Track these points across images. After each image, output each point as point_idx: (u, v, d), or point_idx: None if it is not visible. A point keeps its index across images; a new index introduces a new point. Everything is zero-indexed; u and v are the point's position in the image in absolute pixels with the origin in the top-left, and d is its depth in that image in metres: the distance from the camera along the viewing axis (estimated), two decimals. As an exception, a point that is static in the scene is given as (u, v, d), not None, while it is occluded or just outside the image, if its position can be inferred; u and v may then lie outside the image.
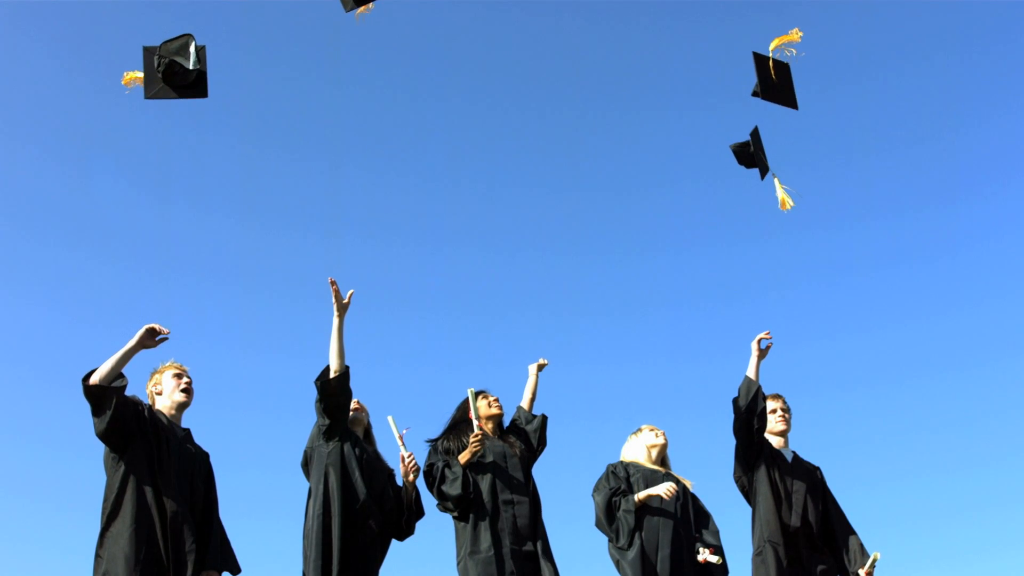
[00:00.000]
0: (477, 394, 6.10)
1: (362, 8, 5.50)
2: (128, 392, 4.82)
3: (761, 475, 6.03)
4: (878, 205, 14.19)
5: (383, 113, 14.60)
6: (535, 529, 5.83)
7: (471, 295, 13.99)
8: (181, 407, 5.10)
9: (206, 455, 5.13)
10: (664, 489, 5.92)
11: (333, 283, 5.41)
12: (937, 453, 12.52)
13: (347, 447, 5.50)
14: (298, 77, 14.36)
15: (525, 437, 6.13)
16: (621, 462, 6.33)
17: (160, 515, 4.67)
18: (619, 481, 6.13)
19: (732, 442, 6.12)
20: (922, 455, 12.50)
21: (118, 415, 4.67)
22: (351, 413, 5.69)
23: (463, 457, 5.83)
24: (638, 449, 6.37)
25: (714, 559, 5.93)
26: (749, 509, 6.08)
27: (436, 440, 6.08)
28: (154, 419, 4.88)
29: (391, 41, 13.89)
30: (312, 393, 5.51)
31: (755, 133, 6.24)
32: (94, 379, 4.69)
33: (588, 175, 14.63)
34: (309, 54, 14.13)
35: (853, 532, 6.14)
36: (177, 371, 5.13)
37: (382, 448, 5.86)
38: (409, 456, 5.65)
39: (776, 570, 5.75)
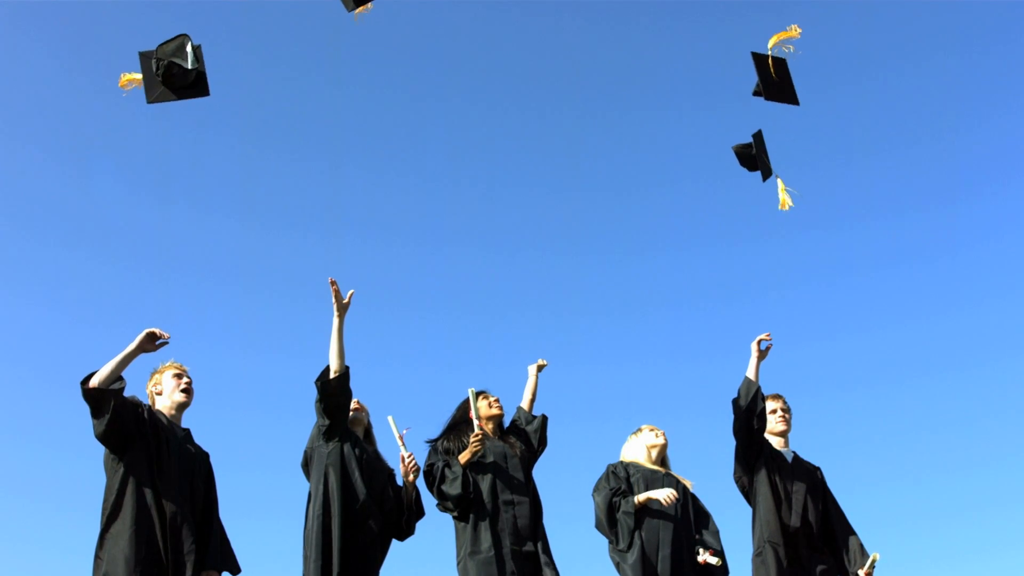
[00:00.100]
0: (478, 394, 6.10)
1: (361, 8, 5.50)
2: (128, 392, 4.82)
3: (761, 475, 6.03)
4: (878, 205, 14.21)
5: (383, 113, 14.62)
6: (535, 529, 5.82)
7: (471, 295, 14.00)
8: (181, 407, 5.10)
9: (206, 455, 5.13)
10: (664, 496, 5.91)
11: (333, 283, 5.41)
12: (937, 453, 12.54)
13: (347, 447, 5.50)
14: (298, 77, 14.38)
15: (525, 437, 6.13)
16: (621, 462, 6.32)
17: (160, 516, 4.67)
18: (619, 481, 6.12)
19: (732, 442, 6.13)
20: (922, 455, 12.52)
21: (117, 417, 4.67)
22: (351, 413, 5.69)
23: (463, 457, 5.83)
24: (638, 449, 6.37)
25: (714, 560, 5.93)
26: (749, 509, 6.09)
27: (436, 440, 6.07)
28: (154, 419, 4.88)
29: (391, 41, 13.90)
30: (312, 393, 5.52)
31: (758, 136, 6.24)
32: (93, 382, 4.69)
33: (588, 175, 14.64)
34: (309, 54, 14.15)
35: (853, 532, 6.14)
36: (177, 371, 5.13)
37: (382, 448, 5.87)
38: (409, 456, 5.65)
39: (776, 570, 5.75)
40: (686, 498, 6.18)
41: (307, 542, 5.33)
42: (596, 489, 6.20)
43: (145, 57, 5.23)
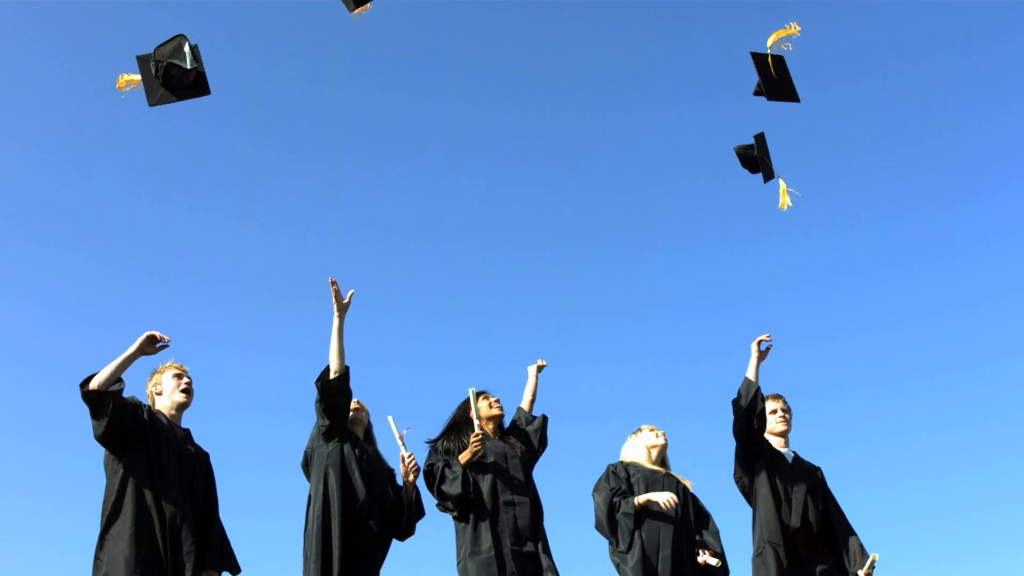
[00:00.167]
0: (478, 395, 6.10)
1: (360, 8, 5.50)
2: (128, 393, 4.82)
3: (761, 476, 6.02)
4: (878, 205, 14.21)
5: (383, 113, 14.63)
6: (536, 530, 5.82)
7: (471, 295, 14.00)
8: (181, 407, 5.10)
9: (206, 455, 5.13)
10: (664, 499, 5.91)
11: (333, 283, 5.41)
12: (937, 453, 12.55)
13: (347, 447, 5.50)
14: (298, 77, 14.38)
15: (526, 438, 6.13)
16: (621, 462, 6.32)
17: (160, 516, 4.67)
18: (619, 481, 6.12)
19: (732, 442, 6.12)
20: (922, 455, 12.53)
21: (116, 418, 4.67)
22: (351, 413, 5.69)
23: (463, 457, 5.83)
24: (638, 449, 6.36)
25: (714, 562, 5.93)
26: (749, 509, 6.08)
27: (436, 440, 6.07)
28: (154, 420, 4.88)
29: (391, 41, 13.90)
30: (312, 393, 5.52)
31: (760, 138, 6.24)
32: (92, 384, 4.69)
33: (588, 175, 14.65)
34: (309, 54, 14.15)
35: (853, 532, 6.13)
36: (177, 371, 5.13)
37: (382, 448, 5.87)
38: (409, 456, 5.65)
39: (776, 570, 5.74)
40: (686, 498, 6.17)
41: (307, 542, 5.33)
42: (596, 489, 6.19)
43: (143, 60, 5.23)
